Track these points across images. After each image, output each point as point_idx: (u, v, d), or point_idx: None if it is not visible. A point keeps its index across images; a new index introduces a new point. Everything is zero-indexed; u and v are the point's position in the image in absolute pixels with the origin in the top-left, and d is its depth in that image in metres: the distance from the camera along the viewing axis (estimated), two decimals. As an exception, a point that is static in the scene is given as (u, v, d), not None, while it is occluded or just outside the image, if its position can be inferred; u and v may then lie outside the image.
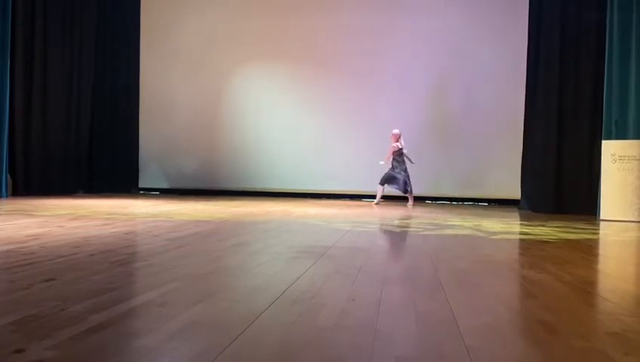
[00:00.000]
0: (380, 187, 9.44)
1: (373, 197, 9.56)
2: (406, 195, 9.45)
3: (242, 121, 11.10)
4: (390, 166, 9.34)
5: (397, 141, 9.26)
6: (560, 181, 8.43)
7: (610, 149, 7.16)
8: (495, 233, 5.25)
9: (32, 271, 2.77)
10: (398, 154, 9.28)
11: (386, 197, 10.39)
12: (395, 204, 9.53)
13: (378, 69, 10.53)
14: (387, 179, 9.36)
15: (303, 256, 3.54)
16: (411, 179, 9.46)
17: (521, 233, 5.57)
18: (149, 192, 11.29)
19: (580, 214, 7.76)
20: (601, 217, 7.18)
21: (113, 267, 2.99)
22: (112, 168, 11.04)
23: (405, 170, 9.31)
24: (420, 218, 6.76)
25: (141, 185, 11.41)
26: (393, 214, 7.38)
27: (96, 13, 10.90)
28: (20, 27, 9.29)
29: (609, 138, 7.35)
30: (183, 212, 6.72)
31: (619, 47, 7.46)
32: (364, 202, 10.05)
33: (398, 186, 9.34)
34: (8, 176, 8.94)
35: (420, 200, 10.26)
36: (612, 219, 7.01)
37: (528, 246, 4.54)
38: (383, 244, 4.37)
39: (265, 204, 8.76)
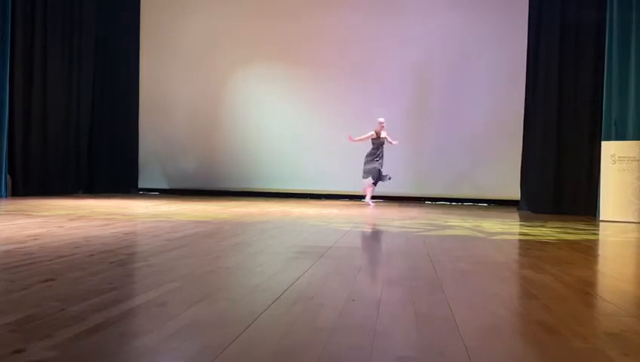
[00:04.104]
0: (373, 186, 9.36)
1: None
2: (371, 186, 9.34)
3: (242, 121, 11.10)
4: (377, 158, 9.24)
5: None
6: (560, 182, 8.43)
7: (610, 150, 7.15)
8: (495, 233, 5.25)
9: (32, 271, 2.77)
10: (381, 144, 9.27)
11: (386, 198, 10.39)
12: (394, 205, 9.52)
13: (378, 71, 10.53)
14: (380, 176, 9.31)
15: (303, 256, 3.54)
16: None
17: (521, 234, 5.57)
18: (148, 193, 11.28)
19: (580, 215, 7.76)
20: (601, 218, 7.18)
21: (113, 267, 2.99)
22: (112, 168, 11.04)
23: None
24: (420, 218, 6.76)
25: (141, 185, 11.41)
26: (393, 215, 7.38)
27: (96, 13, 10.90)
28: (20, 27, 9.28)
29: (609, 139, 7.35)
30: (182, 212, 6.72)
31: (619, 47, 7.45)
32: (364, 202, 10.04)
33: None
34: (8, 176, 8.94)
35: (419, 200, 10.26)
36: (612, 219, 7.01)
37: (528, 247, 4.54)
38: (382, 245, 4.37)
39: (264, 204, 8.76)
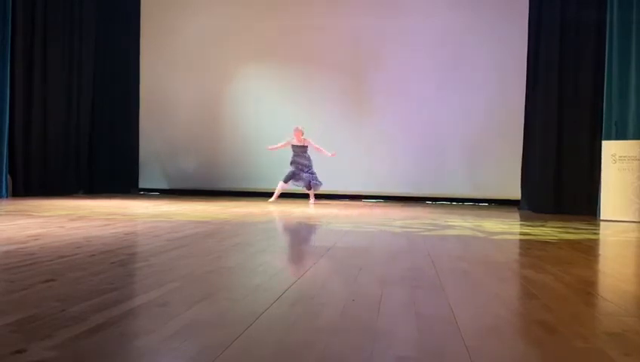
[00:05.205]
0: (283, 184, 9.45)
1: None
2: (308, 192, 9.54)
3: (243, 121, 11.10)
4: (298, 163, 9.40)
5: (300, 137, 9.36)
6: (560, 181, 8.42)
7: (611, 149, 7.15)
8: (495, 233, 5.25)
9: (33, 271, 2.77)
10: (303, 151, 9.38)
11: (387, 198, 10.40)
12: (395, 205, 9.52)
13: (378, 70, 10.53)
14: (291, 177, 9.44)
15: (304, 256, 3.54)
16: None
17: (522, 233, 5.57)
18: (149, 193, 11.28)
19: (581, 214, 7.76)
20: (602, 217, 7.18)
21: (113, 267, 2.99)
22: (112, 168, 11.04)
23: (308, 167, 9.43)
24: (421, 218, 6.76)
25: (141, 185, 11.40)
26: (394, 214, 7.38)
27: (96, 14, 10.90)
28: (20, 27, 9.28)
29: (609, 138, 7.35)
30: (183, 212, 6.72)
31: (619, 46, 7.45)
32: (365, 203, 10.05)
33: (303, 183, 9.45)
34: (8, 176, 8.93)
35: (420, 200, 10.26)
36: (612, 219, 7.01)
37: (529, 247, 4.54)
38: (383, 244, 4.37)
39: (265, 204, 8.76)
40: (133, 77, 11.33)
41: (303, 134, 9.40)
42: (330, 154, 9.38)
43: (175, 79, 11.27)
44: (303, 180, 9.40)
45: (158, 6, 11.38)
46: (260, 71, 11.03)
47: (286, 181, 9.38)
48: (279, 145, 9.50)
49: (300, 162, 9.40)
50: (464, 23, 10.18)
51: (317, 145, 9.42)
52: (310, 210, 7.86)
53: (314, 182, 9.42)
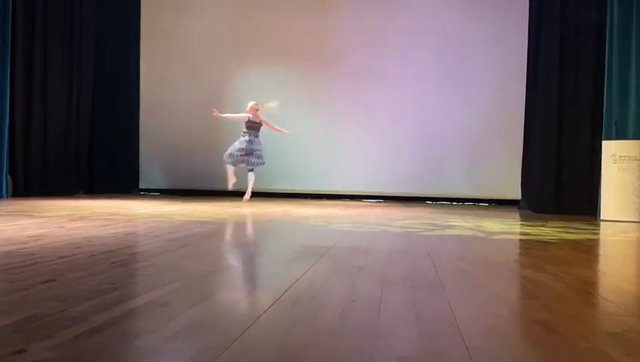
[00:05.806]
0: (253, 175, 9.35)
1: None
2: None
3: (243, 121, 11.08)
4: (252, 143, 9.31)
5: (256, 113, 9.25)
6: (560, 181, 8.42)
7: (611, 149, 7.15)
8: (495, 233, 5.24)
9: (33, 271, 2.77)
10: (257, 129, 9.36)
11: (387, 198, 10.39)
12: (395, 205, 9.52)
13: (378, 70, 10.52)
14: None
15: (304, 256, 3.55)
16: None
17: (522, 233, 5.57)
18: (149, 193, 11.28)
19: (581, 214, 7.75)
20: (602, 217, 7.18)
21: (114, 267, 2.99)
22: (112, 168, 11.03)
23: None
24: (421, 218, 6.76)
25: (141, 185, 11.40)
26: (394, 214, 7.38)
27: (96, 13, 10.90)
28: (20, 28, 9.27)
29: (609, 138, 7.35)
30: (183, 212, 6.72)
31: (619, 46, 7.45)
32: (365, 203, 10.06)
33: (250, 166, 9.38)
34: (9, 176, 8.93)
35: (420, 200, 10.27)
36: (612, 219, 7.00)
37: (529, 247, 4.54)
38: (383, 245, 4.36)
39: (265, 204, 8.77)
40: (133, 77, 11.32)
41: (258, 111, 9.34)
42: (287, 132, 9.35)
43: (175, 79, 11.27)
44: (251, 164, 9.37)
45: (158, 6, 11.38)
46: (260, 70, 11.02)
47: (252, 169, 9.37)
48: (233, 116, 9.36)
49: (254, 140, 9.36)
50: (464, 23, 10.18)
51: (276, 127, 9.34)
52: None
53: (258, 167, 9.28)
